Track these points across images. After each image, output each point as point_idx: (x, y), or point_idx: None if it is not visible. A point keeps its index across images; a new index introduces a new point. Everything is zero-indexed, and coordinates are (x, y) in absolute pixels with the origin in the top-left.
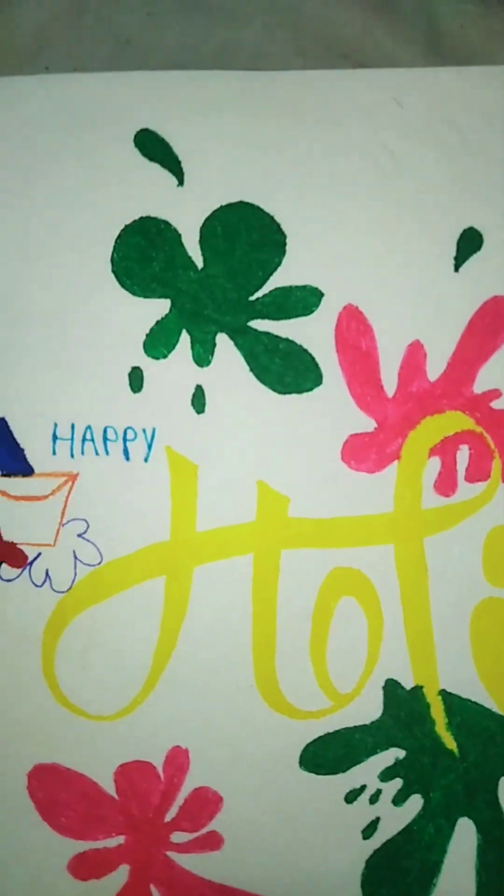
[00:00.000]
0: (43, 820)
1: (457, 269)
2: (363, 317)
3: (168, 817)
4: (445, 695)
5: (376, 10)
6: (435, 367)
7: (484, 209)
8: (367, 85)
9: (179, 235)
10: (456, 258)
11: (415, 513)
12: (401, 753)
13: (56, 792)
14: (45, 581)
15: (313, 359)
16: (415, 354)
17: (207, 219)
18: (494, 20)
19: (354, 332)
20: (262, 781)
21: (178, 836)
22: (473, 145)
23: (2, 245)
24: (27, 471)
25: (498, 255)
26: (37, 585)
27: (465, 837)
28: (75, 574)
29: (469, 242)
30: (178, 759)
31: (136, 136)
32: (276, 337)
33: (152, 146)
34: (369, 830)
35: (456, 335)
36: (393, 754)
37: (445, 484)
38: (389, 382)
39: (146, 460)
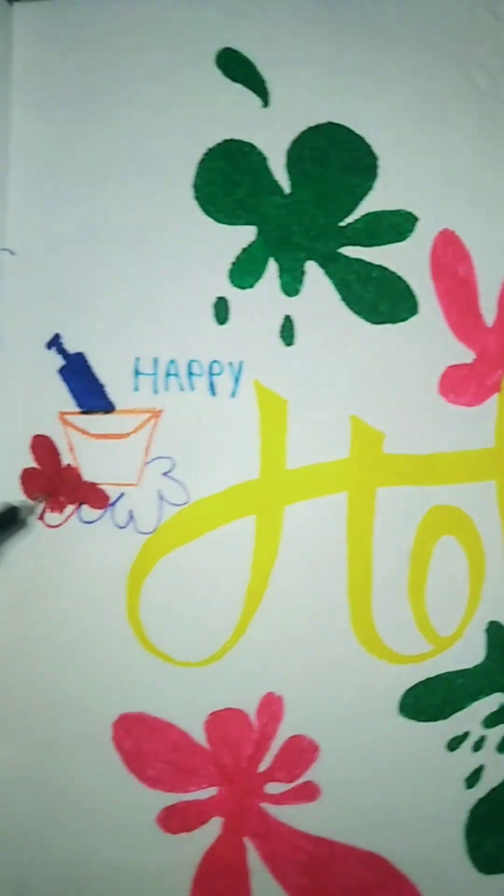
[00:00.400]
0: (130, 772)
1: None
2: (460, 242)
3: (262, 767)
4: None
5: None
6: None
7: None
8: None
9: (265, 159)
10: None
11: None
12: None
13: (144, 742)
14: (128, 522)
15: (408, 287)
16: None
17: (294, 141)
18: None
19: (451, 258)
20: (360, 729)
21: (273, 787)
22: None
23: (78, 169)
24: (108, 407)
25: None
26: (120, 527)
27: None
28: (161, 515)
29: None
30: (271, 707)
31: (217, 56)
32: (369, 264)
33: (235, 66)
34: (473, 779)
35: None
36: (497, 699)
37: None
38: (489, 311)
39: (233, 395)
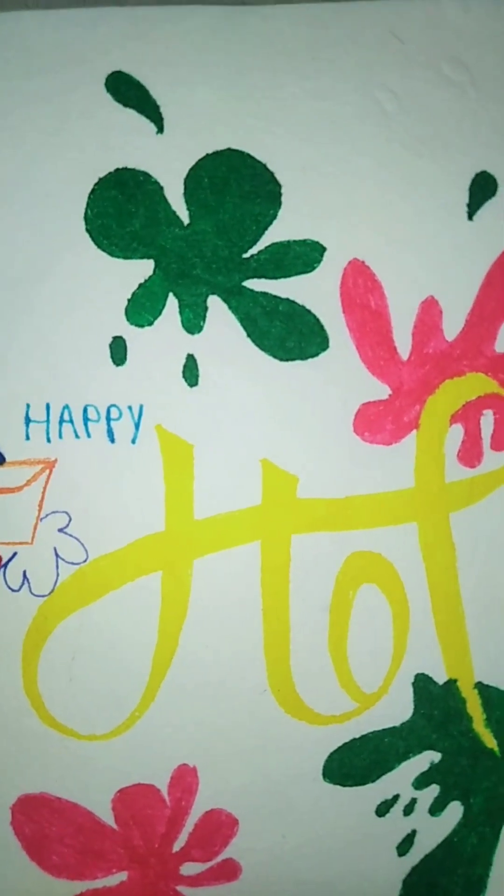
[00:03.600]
0: (31, 860)
1: (471, 216)
2: (371, 272)
3: (176, 847)
4: (482, 688)
5: None
6: (452, 326)
7: (497, 152)
8: (364, 19)
9: (161, 188)
10: (469, 205)
11: (438, 487)
12: (436, 756)
13: (46, 826)
14: (22, 584)
15: (318, 320)
16: (429, 312)
17: (192, 169)
18: None
19: (362, 289)
20: (282, 799)
21: (190, 868)
22: (483, 83)
23: None
24: None
25: None
26: (13, 590)
27: None
28: (57, 574)
29: (482, 188)
30: (185, 780)
31: (107, 80)
32: (275, 297)
33: (126, 90)
34: (405, 846)
35: (473, 289)
36: (427, 758)
37: (470, 453)
38: (403, 344)
39: (134, 442)
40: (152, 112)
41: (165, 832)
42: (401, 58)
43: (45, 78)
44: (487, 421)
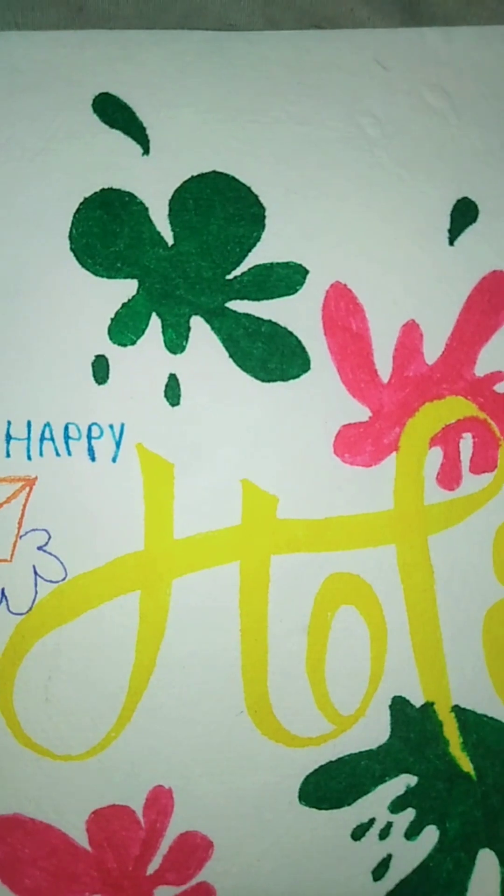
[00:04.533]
0: (3, 883)
1: (452, 242)
2: (353, 295)
3: (150, 869)
4: (459, 711)
5: None
6: (432, 350)
7: (478, 178)
8: (347, 46)
9: (146, 209)
10: (450, 231)
11: (417, 509)
12: (412, 780)
13: (18, 847)
14: (0, 602)
15: (299, 342)
16: (410, 335)
17: (177, 190)
18: None
19: (343, 311)
20: (258, 821)
21: (164, 891)
22: (464, 110)
23: None
24: None
25: (495, 227)
26: None
27: (487, 872)
28: (36, 592)
29: (464, 214)
30: (160, 801)
31: (94, 101)
32: (258, 319)
33: (113, 111)
34: (381, 870)
35: (454, 314)
36: (403, 781)
37: (449, 476)
38: (384, 367)
39: (114, 460)
40: (138, 134)
41: (140, 854)
42: (384, 85)
43: (32, 97)
44: (466, 444)
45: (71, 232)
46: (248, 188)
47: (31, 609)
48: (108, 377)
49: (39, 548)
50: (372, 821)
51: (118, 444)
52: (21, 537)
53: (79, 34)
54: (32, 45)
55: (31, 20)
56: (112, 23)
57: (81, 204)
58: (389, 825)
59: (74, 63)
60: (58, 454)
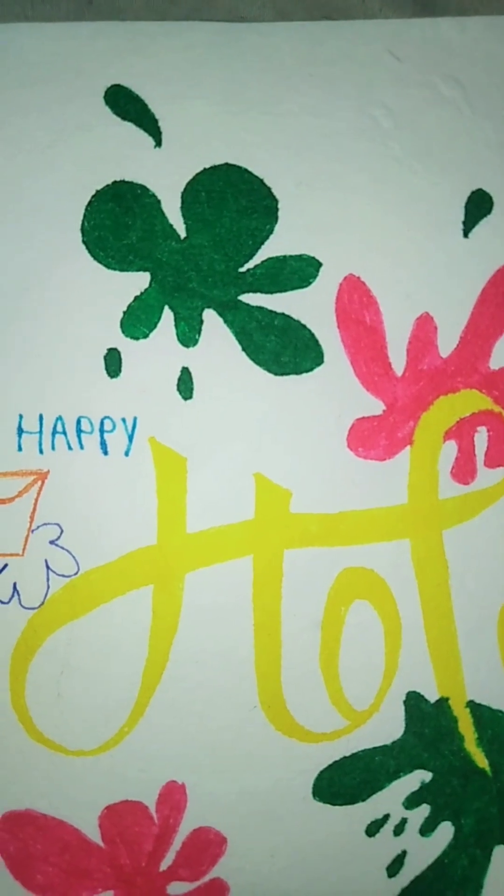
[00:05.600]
0: (15, 879)
1: (466, 234)
2: (366, 288)
3: (164, 865)
4: (474, 707)
5: None
6: (447, 342)
7: (492, 170)
8: (360, 37)
9: (159, 201)
10: (465, 223)
11: (431, 503)
12: (427, 776)
13: (31, 843)
14: (12, 596)
15: (313, 335)
16: (424, 328)
17: (189, 183)
18: None
19: (357, 304)
20: (271, 817)
21: (177, 887)
22: (478, 101)
23: None
24: None
25: None
26: (3, 602)
27: (503, 868)
28: (48, 587)
29: (478, 206)
30: (173, 797)
31: (106, 93)
32: (271, 312)
33: (125, 103)
34: (395, 867)
35: (468, 306)
36: (418, 777)
37: (463, 470)
38: (398, 360)
39: (127, 454)
40: (150, 126)
41: (153, 850)
42: (397, 76)
43: (44, 89)
44: (481, 438)
45: (83, 225)
46: (261, 180)
47: (43, 604)
48: (120, 370)
49: (51, 542)
50: (386, 817)
51: (131, 438)
52: (33, 531)
53: (89, 26)
54: (43, 37)
55: (41, 12)
56: (122, 15)
57: (93, 196)
58: (404, 821)
59: (85, 55)
60: (70, 448)
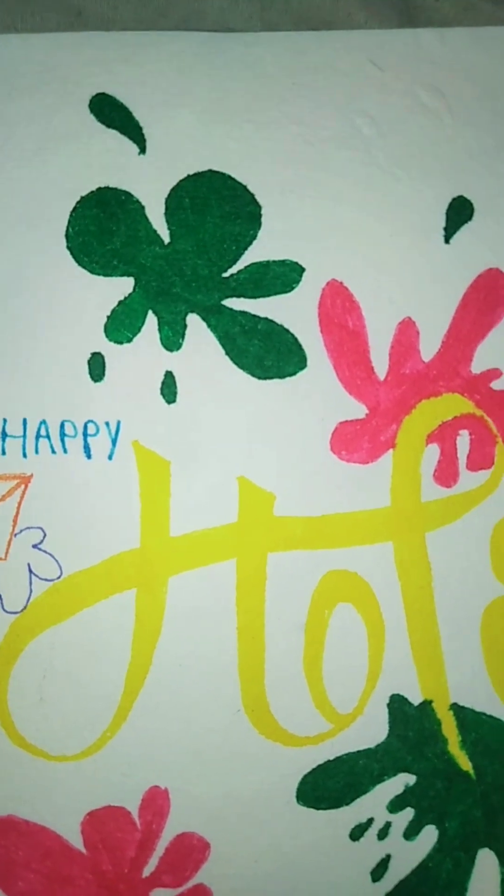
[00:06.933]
0: None
1: (447, 240)
2: (349, 293)
3: (146, 872)
4: (457, 709)
5: None
6: (429, 347)
7: (473, 177)
8: (343, 47)
9: (143, 207)
10: (446, 229)
11: (414, 506)
12: (411, 779)
13: (12, 850)
14: None
15: (296, 340)
16: (406, 333)
17: (173, 189)
18: None
19: (340, 309)
20: (255, 822)
21: (160, 894)
22: (459, 110)
23: None
24: None
25: (490, 225)
26: None
27: (487, 872)
28: (31, 591)
29: (459, 212)
30: (156, 802)
31: (91, 101)
32: (254, 316)
33: (110, 111)
34: (379, 871)
35: (450, 311)
36: (402, 780)
37: (446, 473)
38: (380, 364)
39: (110, 458)
40: (135, 133)
41: (135, 856)
42: (379, 85)
43: (30, 99)
44: (463, 441)
45: (67, 230)
46: (245, 187)
47: (25, 608)
48: (104, 375)
49: (34, 546)
50: (370, 821)
51: (114, 442)
52: (16, 535)
53: (77, 36)
54: (31, 48)
55: (31, 24)
56: (110, 27)
57: (78, 203)
58: (388, 825)
59: (72, 64)
60: (53, 452)
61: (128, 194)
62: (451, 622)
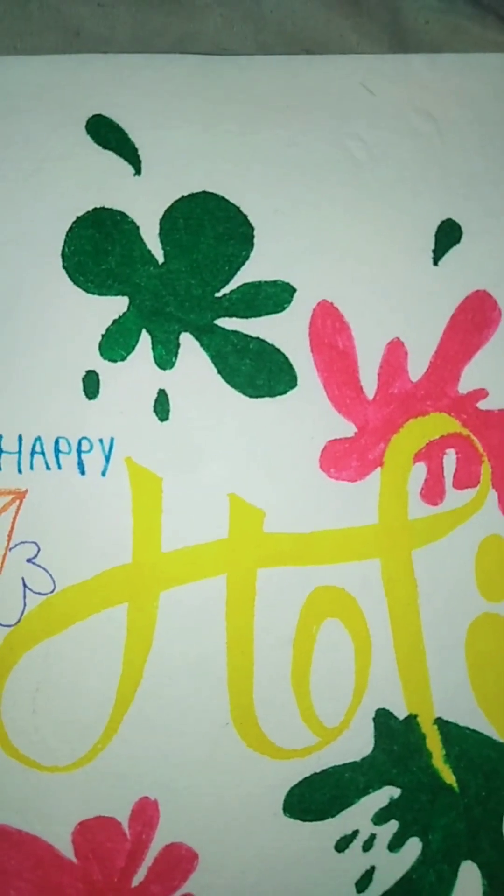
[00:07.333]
0: None
1: (436, 262)
2: (339, 313)
3: (136, 881)
4: (442, 724)
5: (339, 3)
6: (417, 367)
7: (462, 200)
8: (335, 71)
9: (137, 228)
10: (435, 251)
11: (401, 524)
12: (395, 792)
13: (4, 859)
14: None
15: (286, 359)
16: (395, 353)
17: (168, 210)
18: (459, 15)
19: (330, 329)
20: (242, 833)
21: None
22: (448, 134)
23: None
24: None
25: (478, 248)
26: None
27: (469, 884)
28: (24, 604)
29: (448, 235)
30: (146, 813)
31: (87, 123)
32: (246, 336)
33: (106, 133)
34: (364, 882)
35: (437, 332)
36: (387, 793)
37: (433, 491)
38: (369, 384)
39: (104, 474)
40: (131, 154)
41: (125, 866)
42: (371, 108)
43: (27, 120)
44: (450, 460)
45: (63, 250)
46: (238, 208)
47: (19, 621)
48: (98, 392)
49: (29, 560)
50: (355, 832)
51: (108, 458)
52: (11, 549)
53: (74, 58)
54: (29, 69)
55: (30, 45)
56: (108, 47)
57: (74, 223)
58: (373, 837)
59: (69, 86)
60: (48, 468)
61: (123, 215)
62: (436, 638)
